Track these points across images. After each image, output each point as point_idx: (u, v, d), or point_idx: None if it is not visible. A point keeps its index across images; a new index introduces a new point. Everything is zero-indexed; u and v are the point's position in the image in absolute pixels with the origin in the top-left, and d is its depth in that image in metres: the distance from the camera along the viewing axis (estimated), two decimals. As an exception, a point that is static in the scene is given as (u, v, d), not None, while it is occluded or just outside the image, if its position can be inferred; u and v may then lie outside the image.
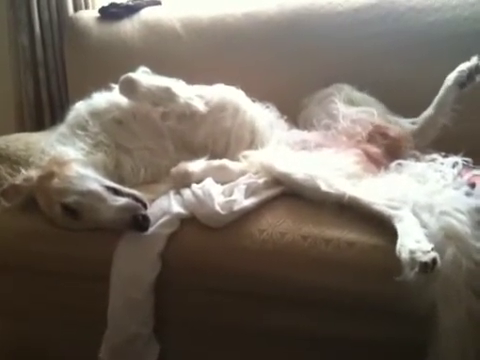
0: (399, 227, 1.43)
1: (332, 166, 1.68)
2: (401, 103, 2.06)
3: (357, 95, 2.07)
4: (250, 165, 1.75)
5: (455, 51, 2.06)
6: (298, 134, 1.97)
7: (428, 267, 1.29)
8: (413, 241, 1.35)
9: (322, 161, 1.71)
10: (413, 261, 1.30)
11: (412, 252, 1.32)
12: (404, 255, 1.33)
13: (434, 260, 1.29)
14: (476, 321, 1.33)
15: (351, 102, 2.02)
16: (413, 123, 2.01)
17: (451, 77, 1.91)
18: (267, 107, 2.05)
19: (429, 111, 1.97)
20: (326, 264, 1.48)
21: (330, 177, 1.60)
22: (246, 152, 1.81)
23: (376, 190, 1.57)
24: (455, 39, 2.13)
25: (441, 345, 1.34)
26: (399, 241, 1.39)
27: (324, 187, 1.57)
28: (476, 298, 1.34)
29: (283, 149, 1.82)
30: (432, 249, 1.32)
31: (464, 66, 1.89)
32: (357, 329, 1.52)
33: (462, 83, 1.88)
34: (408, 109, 2.03)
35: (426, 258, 1.29)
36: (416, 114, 2.02)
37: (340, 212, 1.56)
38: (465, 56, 1.90)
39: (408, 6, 2.23)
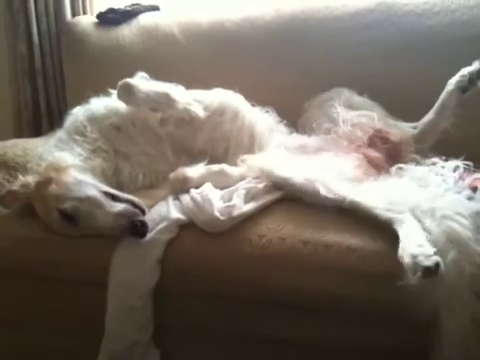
0: (400, 231, 1.42)
1: (332, 170, 1.67)
2: (400, 107, 2.06)
3: (357, 99, 2.06)
4: (249, 169, 1.74)
5: (454, 55, 2.05)
6: (298, 138, 1.97)
7: (431, 271, 1.28)
8: (415, 245, 1.34)
9: (322, 165, 1.71)
10: (416, 265, 1.29)
11: (414, 256, 1.31)
12: (406, 259, 1.32)
13: (437, 264, 1.28)
14: (479, 325, 1.32)
15: (351, 106, 2.02)
16: (414, 127, 2.00)
17: (452, 81, 1.90)
18: (266, 111, 2.04)
19: (430, 115, 1.96)
20: (327, 270, 1.47)
21: (330, 181, 1.59)
22: (245, 156, 1.80)
23: (377, 194, 1.56)
24: (454, 43, 2.12)
25: (444, 350, 1.33)
26: (401, 245, 1.38)
27: (324, 191, 1.56)
28: (479, 302, 1.32)
29: (283, 153, 1.81)
30: (435, 253, 1.31)
31: (465, 70, 1.88)
32: (359, 335, 1.51)
33: (464, 88, 1.88)
34: (407, 113, 2.03)
35: (429, 262, 1.28)
36: (415, 118, 2.01)
37: (340, 217, 1.55)
38: (465, 60, 1.90)
39: (407, 10, 2.23)
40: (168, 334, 1.64)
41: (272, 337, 1.60)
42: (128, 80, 1.79)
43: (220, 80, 2.04)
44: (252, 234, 1.55)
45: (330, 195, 1.55)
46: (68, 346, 1.77)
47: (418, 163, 1.80)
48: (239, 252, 1.53)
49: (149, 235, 1.55)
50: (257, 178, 1.70)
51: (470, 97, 1.89)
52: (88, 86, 2.09)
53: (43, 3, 2.64)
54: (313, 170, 1.66)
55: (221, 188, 1.68)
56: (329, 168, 1.68)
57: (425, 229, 1.42)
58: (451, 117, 1.89)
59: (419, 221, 1.44)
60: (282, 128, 2.04)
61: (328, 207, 1.56)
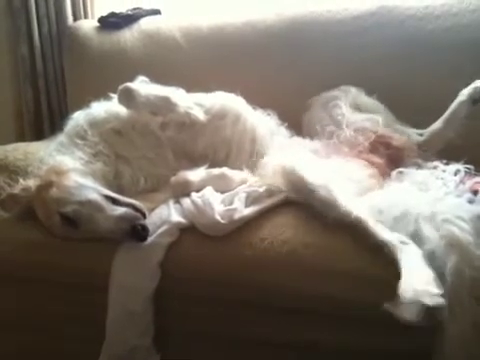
0: (403, 260, 1.38)
1: (350, 178, 1.66)
2: (402, 111, 2.06)
3: (365, 100, 2.06)
4: (272, 172, 1.70)
5: (455, 59, 2.06)
6: (299, 142, 1.96)
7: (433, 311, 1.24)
8: (420, 281, 1.29)
9: (340, 171, 1.68)
10: (417, 303, 1.24)
11: (417, 293, 1.26)
12: (408, 295, 1.27)
13: (440, 306, 1.24)
14: (480, 330, 1.31)
15: (358, 106, 2.01)
16: (420, 134, 2.00)
17: (465, 92, 1.90)
18: (268, 115, 2.04)
19: (438, 124, 1.96)
20: (328, 273, 1.47)
21: (348, 192, 1.56)
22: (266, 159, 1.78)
23: (377, 198, 1.56)
24: (456, 46, 2.13)
25: (445, 354, 1.33)
26: (403, 277, 1.33)
27: (341, 205, 1.52)
28: (480, 306, 1.32)
29: (305, 154, 1.77)
30: (439, 293, 1.26)
31: (479, 82, 1.88)
32: (360, 338, 1.51)
33: (475, 100, 1.87)
34: (409, 117, 2.03)
35: (432, 302, 1.24)
36: (415, 121, 2.02)
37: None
38: (465, 64, 1.90)
39: (408, 14, 2.23)
40: (169, 338, 1.64)
41: (273, 340, 1.59)
42: (128, 84, 1.79)
43: (221, 84, 2.04)
44: (253, 238, 1.55)
45: (342, 209, 1.51)
46: (69, 350, 1.77)
47: (419, 167, 1.80)
48: (240, 256, 1.52)
49: (150, 239, 1.55)
50: (259, 182, 1.69)
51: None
52: (89, 90, 2.09)
53: (44, 6, 2.66)
54: (332, 175, 1.62)
55: (222, 192, 1.68)
56: (347, 175, 1.67)
57: (424, 238, 1.41)
58: (459, 128, 1.89)
59: (420, 232, 1.42)
60: (283, 131, 2.04)
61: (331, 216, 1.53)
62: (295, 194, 1.64)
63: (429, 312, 1.23)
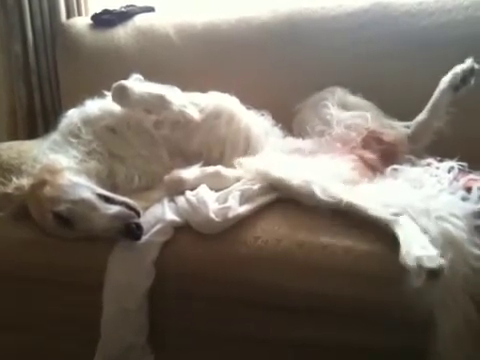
0: (400, 233, 1.41)
1: (328, 172, 1.67)
2: (397, 107, 2.06)
3: (351, 99, 2.06)
4: (246, 171, 1.74)
5: (449, 55, 2.05)
6: (293, 142, 1.97)
7: (435, 274, 1.27)
8: (419, 247, 1.33)
9: (318, 167, 1.70)
10: (420, 268, 1.28)
11: (419, 259, 1.29)
12: (410, 262, 1.31)
13: (441, 266, 1.27)
14: (473, 327, 1.32)
15: (345, 106, 2.02)
16: (407, 127, 2.00)
17: (445, 80, 1.89)
18: (262, 114, 2.04)
19: (423, 115, 1.96)
20: (322, 271, 1.47)
21: (326, 183, 1.59)
22: (241, 159, 1.79)
23: (372, 196, 1.56)
24: (449, 43, 2.13)
25: (439, 351, 1.34)
26: (403, 247, 1.36)
27: (320, 193, 1.56)
28: (473, 304, 1.33)
29: (279, 155, 1.81)
30: (438, 255, 1.30)
31: (458, 68, 1.87)
32: (354, 336, 1.51)
33: (456, 86, 1.87)
34: (404, 113, 2.03)
35: (434, 264, 1.27)
36: (411, 118, 2.01)
37: (335, 218, 1.55)
38: (459, 60, 1.89)
39: (402, 10, 2.23)
40: (164, 336, 1.64)
41: (268, 338, 1.60)
42: (122, 82, 1.79)
43: (215, 81, 2.05)
44: (247, 236, 1.55)
45: (326, 197, 1.55)
46: (65, 349, 1.77)
47: (413, 164, 1.80)
48: (234, 254, 1.53)
49: (144, 237, 1.54)
50: (252, 180, 1.70)
51: (465, 97, 1.89)
52: (83, 87, 2.08)
53: (37, 3, 2.64)
54: (309, 172, 1.65)
55: (216, 190, 1.68)
56: (325, 170, 1.68)
57: (423, 229, 1.41)
58: (444, 116, 1.89)
59: (416, 222, 1.44)
60: (277, 131, 2.04)
61: (323, 209, 1.56)
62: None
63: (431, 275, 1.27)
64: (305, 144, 1.92)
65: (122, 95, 1.78)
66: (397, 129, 2.00)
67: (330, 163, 1.74)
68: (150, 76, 1.94)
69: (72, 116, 1.87)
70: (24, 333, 1.80)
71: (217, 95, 1.94)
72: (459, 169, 1.64)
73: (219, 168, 1.75)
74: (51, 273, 1.65)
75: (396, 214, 1.47)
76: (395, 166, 1.75)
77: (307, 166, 1.71)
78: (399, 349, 1.47)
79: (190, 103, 1.84)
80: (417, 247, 1.33)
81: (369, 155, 1.83)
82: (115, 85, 1.78)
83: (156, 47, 2.46)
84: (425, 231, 1.41)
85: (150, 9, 2.66)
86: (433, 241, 1.37)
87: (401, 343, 1.46)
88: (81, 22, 2.61)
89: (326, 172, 1.67)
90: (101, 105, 1.87)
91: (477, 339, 1.32)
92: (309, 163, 1.75)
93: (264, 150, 1.87)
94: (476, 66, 1.85)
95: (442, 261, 1.28)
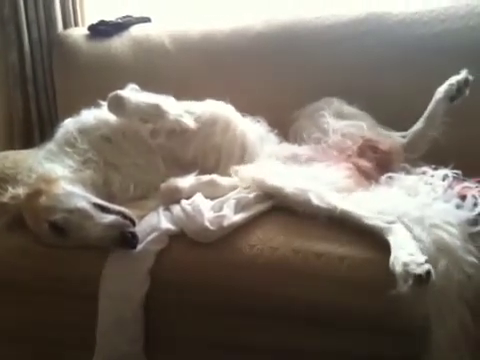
0: (391, 240, 1.43)
1: (324, 180, 1.68)
2: (392, 116, 2.07)
3: (347, 109, 2.07)
4: (241, 180, 1.74)
5: (444, 64, 2.06)
6: (289, 148, 1.97)
7: (422, 279, 1.28)
8: (406, 254, 1.35)
9: (313, 175, 1.71)
10: (407, 274, 1.30)
11: (406, 265, 1.31)
12: (398, 268, 1.33)
13: (428, 272, 1.29)
14: (468, 333, 1.33)
15: (341, 116, 2.03)
16: (403, 137, 2.01)
17: (441, 90, 1.91)
18: (257, 121, 2.04)
19: (419, 124, 1.98)
20: (318, 279, 1.47)
21: (322, 191, 1.60)
22: (237, 167, 1.80)
23: (367, 204, 1.57)
24: (444, 52, 2.14)
25: (434, 356, 1.34)
26: (392, 254, 1.38)
27: (315, 201, 1.57)
28: (468, 311, 1.33)
29: (274, 163, 1.82)
30: (426, 261, 1.31)
31: (454, 79, 1.89)
32: (349, 344, 1.51)
33: (452, 96, 1.89)
34: (399, 122, 2.04)
35: (420, 270, 1.29)
36: (406, 128, 2.03)
37: (331, 226, 1.56)
38: (454, 69, 1.91)
39: (397, 20, 2.25)
40: (159, 344, 1.63)
41: (265, 346, 1.59)
42: (118, 92, 1.80)
43: (211, 90, 2.05)
44: (243, 244, 1.55)
45: (322, 204, 1.57)
46: (61, 357, 1.76)
47: (408, 172, 1.81)
48: (230, 262, 1.53)
49: (140, 246, 1.54)
50: (248, 188, 1.71)
51: (459, 106, 1.90)
52: (79, 97, 2.10)
53: (34, 13, 2.65)
54: (304, 180, 1.66)
55: (212, 198, 1.68)
56: (320, 178, 1.69)
57: (415, 238, 1.43)
58: (440, 126, 1.91)
59: (409, 230, 1.45)
60: (273, 138, 2.04)
61: (319, 217, 1.57)
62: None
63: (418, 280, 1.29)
64: (301, 150, 1.92)
65: (118, 105, 1.78)
66: (393, 138, 2.01)
67: (325, 171, 1.75)
68: (146, 86, 1.95)
69: (68, 126, 1.87)
70: (19, 341, 1.79)
71: (212, 103, 1.95)
72: (454, 177, 1.65)
73: (214, 177, 1.76)
74: (45, 282, 1.64)
75: (390, 222, 1.48)
76: (390, 174, 1.76)
77: (302, 174, 1.72)
78: (394, 356, 1.47)
79: (185, 112, 1.85)
80: (405, 253, 1.35)
81: (365, 163, 1.84)
82: (111, 95, 1.79)
83: (152, 57, 2.46)
84: (419, 239, 1.42)
85: (146, 20, 2.67)
86: (427, 249, 1.38)
87: (396, 350, 1.46)
88: (78, 32, 2.62)
89: (321, 180, 1.68)
90: (97, 115, 1.88)
91: (472, 345, 1.32)
92: (304, 171, 1.75)
93: (260, 157, 1.88)
94: (471, 77, 1.87)
95: (429, 267, 1.30)
